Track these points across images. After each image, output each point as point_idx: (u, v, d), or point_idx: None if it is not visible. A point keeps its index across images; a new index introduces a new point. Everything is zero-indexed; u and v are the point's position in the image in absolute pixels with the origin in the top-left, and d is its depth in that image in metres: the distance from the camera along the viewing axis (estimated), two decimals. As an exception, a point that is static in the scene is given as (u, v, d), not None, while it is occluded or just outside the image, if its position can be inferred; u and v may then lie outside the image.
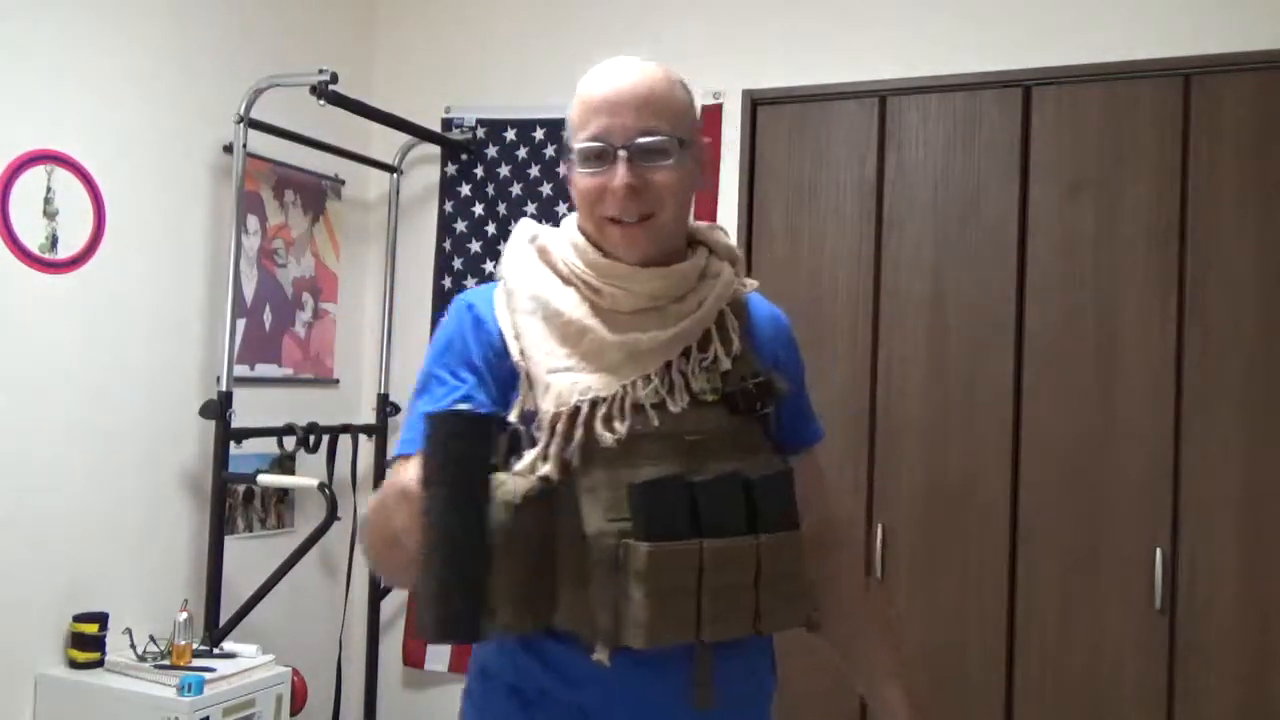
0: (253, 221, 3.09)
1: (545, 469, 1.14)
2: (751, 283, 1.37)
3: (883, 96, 2.98)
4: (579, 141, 1.23)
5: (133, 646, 2.64)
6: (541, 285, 1.25)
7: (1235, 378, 2.63)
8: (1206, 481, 2.64)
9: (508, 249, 1.31)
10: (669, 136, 1.22)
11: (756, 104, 3.12)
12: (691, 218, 1.34)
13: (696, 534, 1.14)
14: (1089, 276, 2.76)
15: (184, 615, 2.64)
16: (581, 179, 1.24)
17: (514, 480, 1.13)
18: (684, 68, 3.36)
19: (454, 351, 1.25)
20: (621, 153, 1.20)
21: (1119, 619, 2.69)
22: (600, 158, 1.21)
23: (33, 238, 2.53)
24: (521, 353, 1.21)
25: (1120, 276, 2.73)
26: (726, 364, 1.25)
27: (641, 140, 1.20)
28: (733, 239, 1.38)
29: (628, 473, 1.14)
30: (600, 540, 1.12)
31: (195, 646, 2.65)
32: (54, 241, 2.58)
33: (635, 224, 1.22)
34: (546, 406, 1.17)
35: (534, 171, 3.39)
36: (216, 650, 2.70)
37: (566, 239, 1.28)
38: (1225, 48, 2.67)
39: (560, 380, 1.18)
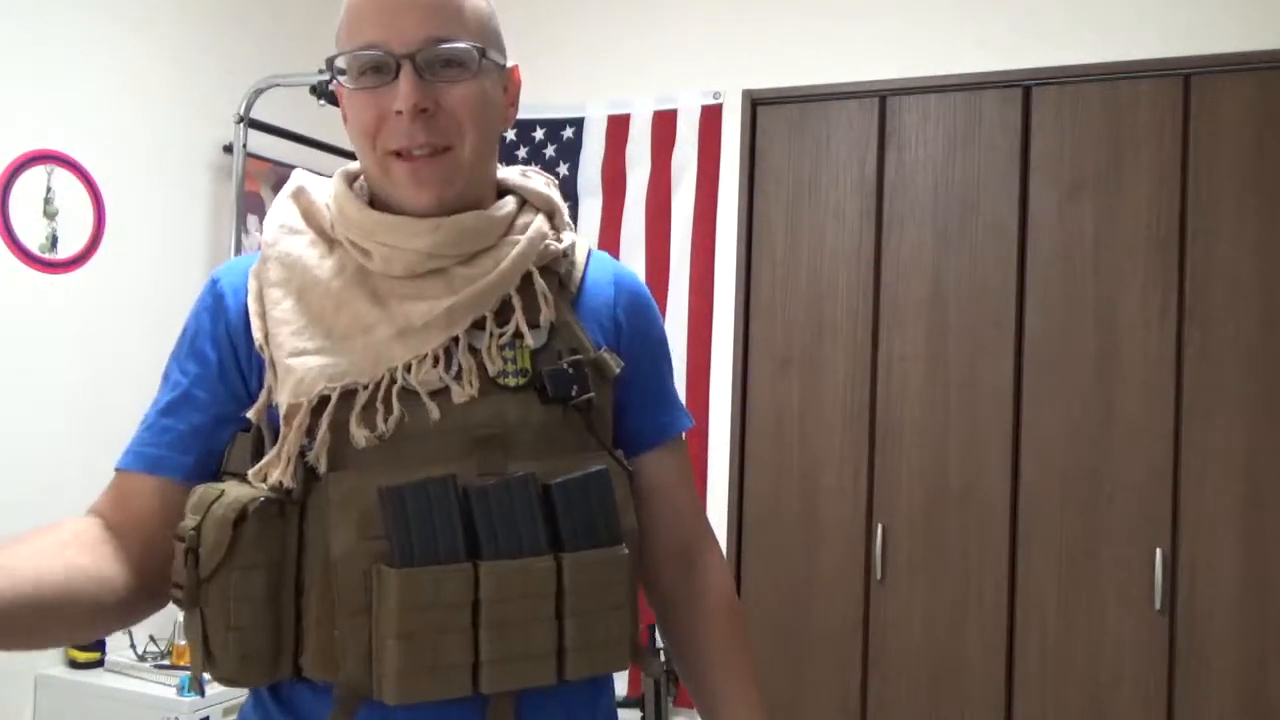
0: (253, 221, 3.09)
1: (276, 474, 0.92)
2: (572, 236, 1.08)
3: (883, 96, 2.98)
4: (349, 50, 0.95)
5: (133, 646, 2.64)
6: (298, 249, 1.00)
7: (1235, 378, 2.63)
8: (1206, 482, 2.64)
9: (272, 206, 1.06)
10: (467, 44, 0.95)
11: (756, 104, 3.12)
12: (498, 165, 1.07)
13: (474, 554, 0.91)
14: (1089, 276, 2.76)
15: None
16: (355, 102, 0.97)
17: (237, 490, 0.92)
18: (684, 68, 3.39)
19: (187, 338, 1.02)
20: (405, 64, 0.93)
21: (1119, 619, 2.69)
22: (378, 71, 0.94)
23: (33, 238, 2.53)
24: (265, 333, 0.97)
25: (1120, 276, 2.73)
26: (530, 340, 0.98)
27: (433, 48, 0.94)
28: (554, 189, 1.11)
29: (394, 478, 0.91)
30: (349, 563, 0.90)
31: (195, 646, 2.65)
32: (54, 241, 2.58)
33: (427, 157, 0.95)
34: (283, 396, 0.93)
35: (537, 169, 3.38)
36: (216, 650, 2.69)
37: (332, 192, 1.04)
38: (1225, 48, 2.67)
39: (303, 364, 0.93)
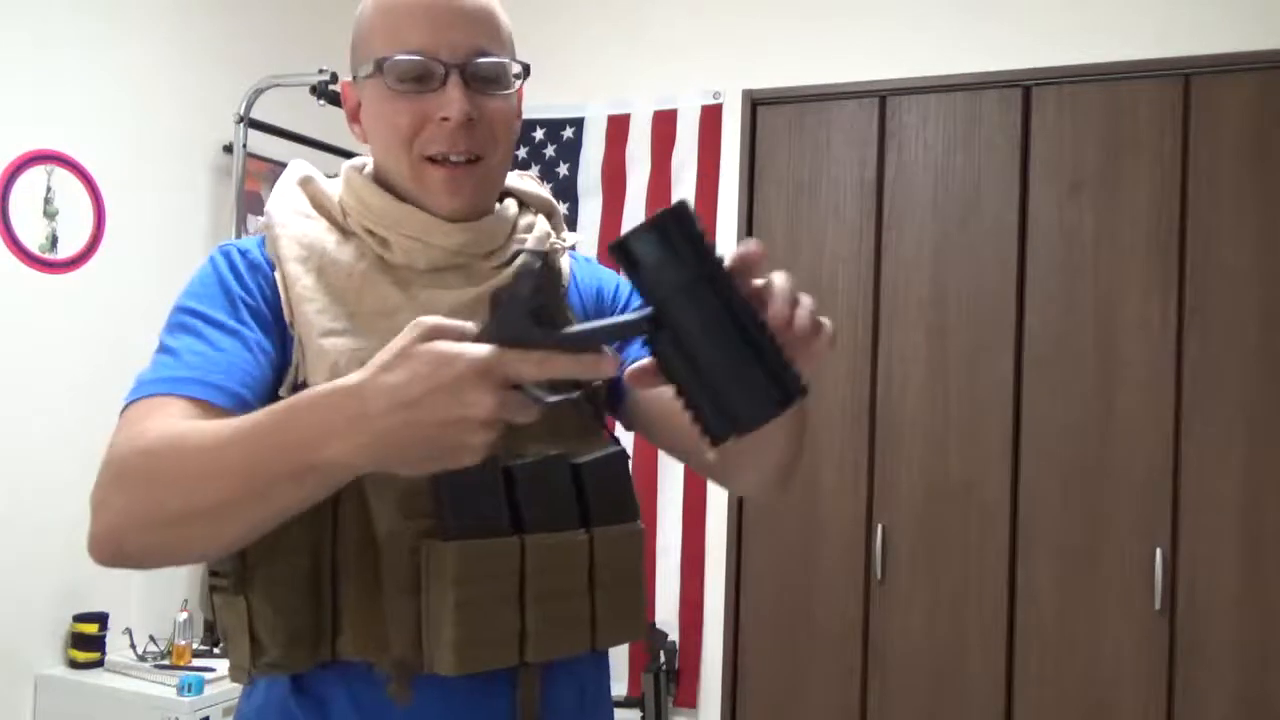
0: (253, 222, 3.09)
1: None
2: (574, 236, 1.15)
3: (883, 96, 2.98)
4: (395, 54, 0.97)
5: (133, 646, 2.64)
6: (315, 232, 1.01)
7: (1235, 378, 2.63)
8: (1206, 481, 2.64)
9: (274, 191, 1.07)
10: (507, 59, 1.00)
11: (756, 104, 3.12)
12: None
13: (516, 529, 0.95)
14: (1089, 276, 2.76)
15: (184, 615, 2.64)
16: (393, 104, 0.98)
17: None
18: (684, 68, 3.39)
19: (228, 292, 0.96)
20: (454, 73, 0.96)
21: (1119, 619, 2.69)
22: (422, 78, 0.97)
23: (33, 238, 2.53)
24: (291, 308, 0.96)
25: (1120, 276, 2.73)
26: None
27: (480, 60, 0.97)
28: (546, 189, 1.16)
29: None
30: (395, 542, 0.92)
31: (195, 646, 2.65)
32: (54, 241, 2.58)
33: (463, 165, 0.98)
34: (318, 378, 0.92)
35: (533, 171, 3.39)
36: (216, 650, 2.70)
37: (345, 183, 1.05)
38: (1225, 48, 2.67)
39: (335, 345, 0.94)
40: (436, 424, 0.69)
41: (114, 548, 0.84)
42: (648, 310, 0.72)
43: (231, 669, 0.97)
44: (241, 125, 2.89)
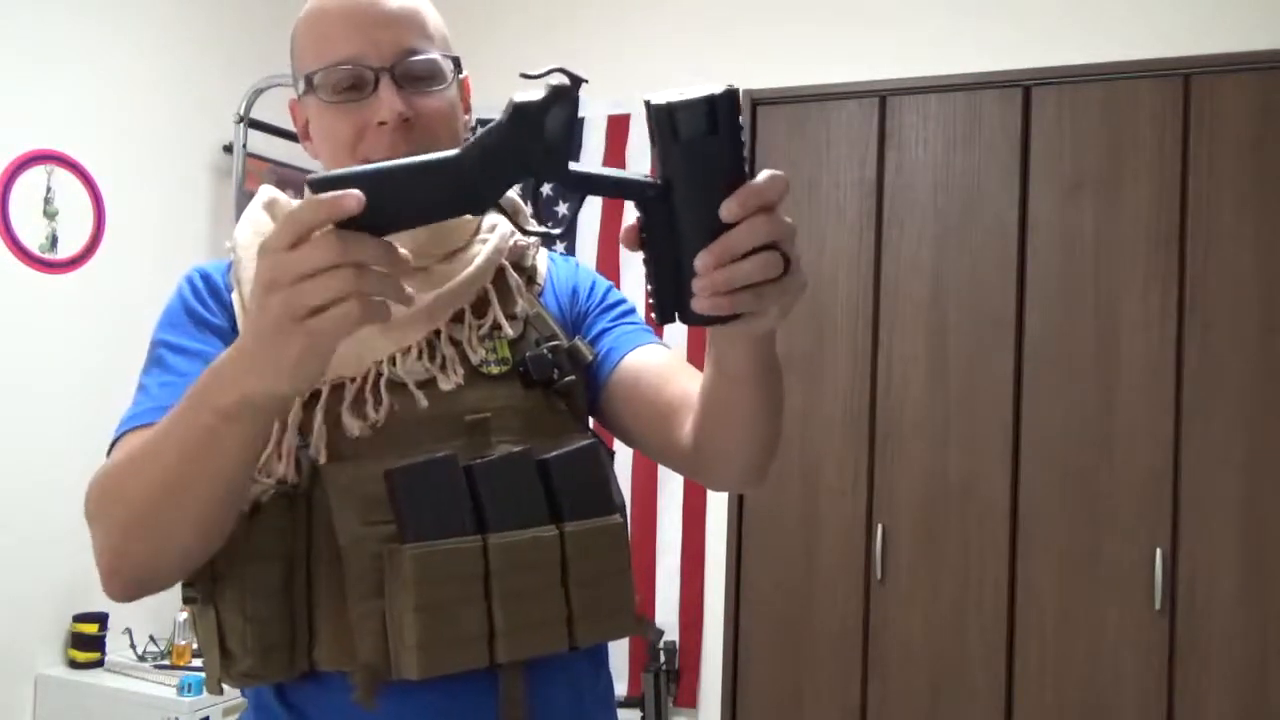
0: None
1: (280, 469, 0.94)
2: (538, 230, 1.18)
3: (883, 96, 2.98)
4: (322, 66, 0.99)
5: (133, 646, 2.64)
6: None
7: (1235, 378, 2.63)
8: (1206, 481, 2.64)
9: (241, 217, 1.09)
10: (442, 55, 1.00)
11: (756, 104, 3.12)
12: None
13: (480, 529, 0.94)
14: (1089, 276, 2.76)
15: (184, 615, 2.64)
16: (331, 117, 1.00)
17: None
18: (684, 68, 3.39)
19: (192, 315, 1.02)
20: (384, 76, 0.97)
21: (1119, 619, 2.69)
22: (355, 86, 0.98)
23: (33, 238, 2.53)
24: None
25: (1120, 276, 2.73)
26: (509, 330, 1.03)
27: (410, 60, 0.97)
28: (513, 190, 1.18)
29: (390, 464, 0.93)
30: (357, 549, 0.91)
31: (195, 646, 2.65)
32: (54, 241, 2.58)
33: None
34: None
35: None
36: (216, 650, 2.70)
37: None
38: (1225, 48, 2.67)
39: None
40: (280, 296, 0.70)
41: (118, 581, 0.88)
42: (657, 180, 0.72)
43: (207, 679, 0.98)
44: (241, 125, 2.90)
